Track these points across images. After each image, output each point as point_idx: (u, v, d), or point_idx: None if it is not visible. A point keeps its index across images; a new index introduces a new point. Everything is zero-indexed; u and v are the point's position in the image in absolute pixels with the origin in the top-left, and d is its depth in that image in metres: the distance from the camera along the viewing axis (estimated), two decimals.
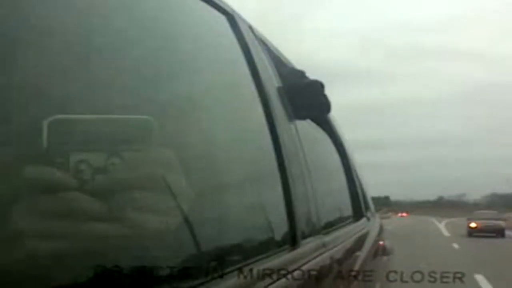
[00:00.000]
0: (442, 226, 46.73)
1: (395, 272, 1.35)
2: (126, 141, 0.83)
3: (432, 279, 1.32)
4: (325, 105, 2.12)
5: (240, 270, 1.03)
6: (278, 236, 1.41)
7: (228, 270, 1.01)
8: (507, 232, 31.62)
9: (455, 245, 23.27)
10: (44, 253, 0.68)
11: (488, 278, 11.85)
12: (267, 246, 1.29)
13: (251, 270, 1.06)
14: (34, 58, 0.76)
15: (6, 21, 0.72)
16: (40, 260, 0.68)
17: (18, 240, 0.68)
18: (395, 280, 1.34)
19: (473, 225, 32.56)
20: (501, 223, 32.66)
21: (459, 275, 1.34)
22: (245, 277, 1.02)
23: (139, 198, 0.82)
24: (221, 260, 1.03)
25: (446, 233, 36.76)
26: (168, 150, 0.92)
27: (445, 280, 1.32)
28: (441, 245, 23.80)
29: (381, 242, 3.49)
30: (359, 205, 3.29)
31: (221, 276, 0.96)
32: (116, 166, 0.81)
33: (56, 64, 0.79)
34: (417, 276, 1.32)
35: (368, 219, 3.44)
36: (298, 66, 2.24)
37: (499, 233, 30.85)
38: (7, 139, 0.69)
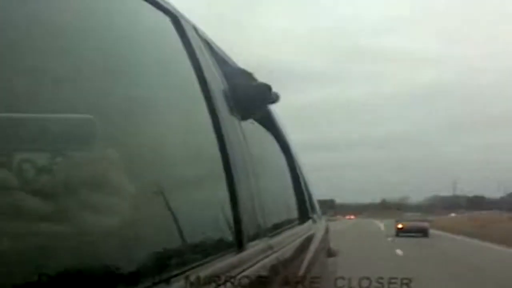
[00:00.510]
0: (381, 225, 58.77)
1: (343, 278, 1.35)
2: (68, 140, 0.82)
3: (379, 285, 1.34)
4: (269, 105, 2.12)
5: (185, 274, 1.02)
6: (224, 239, 1.40)
7: (172, 274, 0.99)
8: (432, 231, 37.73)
9: (389, 238, 33.29)
10: None
11: (403, 252, 22.45)
12: (213, 250, 1.27)
13: (196, 274, 1.04)
14: None
15: None
16: None
17: None
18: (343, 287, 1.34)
19: (399, 226, 37.99)
20: (425, 224, 37.90)
21: (406, 281, 1.35)
22: (190, 282, 1.00)
23: (81, 198, 0.81)
24: (165, 264, 1.01)
25: (383, 230, 47.05)
26: (110, 149, 0.91)
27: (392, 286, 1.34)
28: (379, 236, 35.75)
29: (327, 244, 3.51)
30: (305, 207, 3.31)
31: (165, 281, 0.94)
32: (60, 165, 0.80)
33: None
34: (365, 283, 1.34)
35: (314, 221, 3.45)
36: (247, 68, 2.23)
37: (423, 232, 35.99)
38: None
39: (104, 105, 0.98)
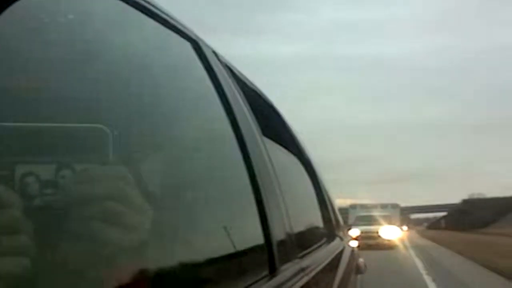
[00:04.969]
0: None
1: None
2: (77, 151, 0.77)
3: None
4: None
5: None
6: (256, 264, 1.38)
7: None
8: None
9: None
10: None
11: None
12: (245, 275, 1.26)
13: None
14: None
15: None
16: None
17: None
18: None
19: None
20: None
21: None
22: None
23: (92, 214, 0.74)
24: None
25: None
26: (125, 165, 0.85)
27: None
28: None
29: (356, 261, 3.48)
30: (331, 225, 3.28)
31: None
32: (67, 179, 0.74)
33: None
34: None
35: (341, 238, 3.43)
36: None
37: None
38: None
39: (128, 127, 0.96)
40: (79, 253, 0.72)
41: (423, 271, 15.46)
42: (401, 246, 26.60)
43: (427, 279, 13.72)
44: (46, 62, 0.81)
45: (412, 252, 23.71)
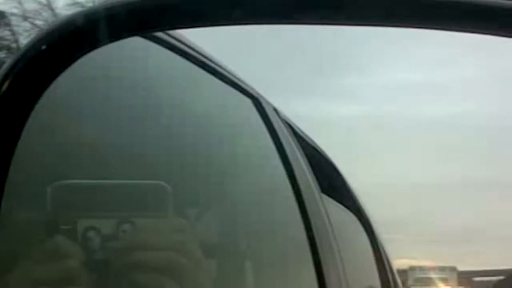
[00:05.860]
0: None
1: None
2: (139, 207, 0.79)
3: None
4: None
5: None
6: None
7: None
8: None
9: None
10: None
11: None
12: None
13: None
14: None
15: None
16: None
17: None
18: None
19: None
20: None
21: None
22: None
23: (153, 271, 0.75)
24: None
25: None
26: (186, 217, 0.87)
27: None
28: None
29: None
30: (389, 285, 3.21)
31: None
32: (127, 233, 0.76)
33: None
34: None
35: None
36: None
37: None
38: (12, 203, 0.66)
39: (189, 184, 0.97)
40: None
41: None
42: None
43: None
44: (109, 119, 0.83)
45: None
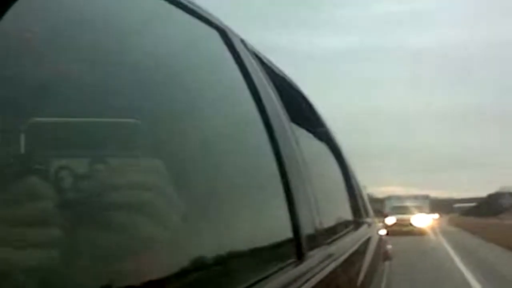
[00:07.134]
0: None
1: None
2: (111, 146, 0.79)
3: None
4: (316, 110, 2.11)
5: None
6: (283, 250, 1.39)
7: None
8: None
9: None
10: (14, 264, 0.62)
11: None
12: (273, 261, 1.26)
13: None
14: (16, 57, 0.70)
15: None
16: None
17: None
18: None
19: None
20: None
21: None
22: None
23: (125, 208, 0.75)
24: (224, 278, 1.00)
25: None
26: (158, 157, 0.86)
27: None
28: None
29: (384, 248, 3.48)
30: (359, 211, 3.28)
31: None
32: (101, 172, 0.75)
33: (42, 62, 0.74)
34: None
35: (369, 224, 3.42)
36: None
37: None
38: None
39: (153, 111, 0.96)
40: (110, 242, 0.73)
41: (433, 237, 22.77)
42: (430, 230, 32.06)
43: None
44: (77, 56, 0.82)
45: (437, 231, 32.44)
